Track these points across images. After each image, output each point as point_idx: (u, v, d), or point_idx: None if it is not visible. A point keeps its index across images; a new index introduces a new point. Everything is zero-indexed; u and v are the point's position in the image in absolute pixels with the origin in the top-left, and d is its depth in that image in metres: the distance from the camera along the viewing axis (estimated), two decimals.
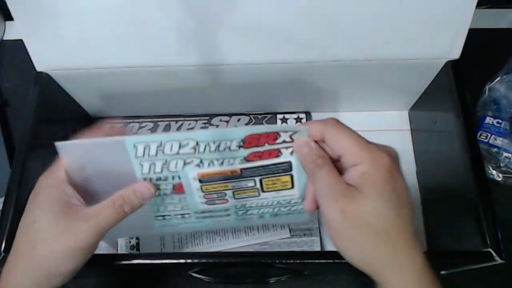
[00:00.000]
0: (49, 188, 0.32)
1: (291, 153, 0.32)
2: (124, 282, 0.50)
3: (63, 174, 0.33)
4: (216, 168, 0.33)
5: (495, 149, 0.53)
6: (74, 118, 0.54)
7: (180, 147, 0.32)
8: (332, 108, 0.57)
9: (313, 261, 0.39)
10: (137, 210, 0.34)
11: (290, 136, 0.32)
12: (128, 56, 0.44)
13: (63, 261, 0.31)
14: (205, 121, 0.57)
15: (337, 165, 0.31)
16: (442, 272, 0.46)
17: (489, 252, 0.36)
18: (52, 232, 0.31)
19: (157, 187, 0.34)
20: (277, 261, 0.38)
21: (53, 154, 0.35)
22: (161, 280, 0.49)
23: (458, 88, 0.43)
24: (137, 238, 0.49)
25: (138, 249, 0.49)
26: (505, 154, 0.53)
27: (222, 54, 0.44)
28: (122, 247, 0.49)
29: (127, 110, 0.56)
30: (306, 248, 0.49)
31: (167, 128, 0.56)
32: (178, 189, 0.35)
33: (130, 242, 0.49)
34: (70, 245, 0.31)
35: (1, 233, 0.37)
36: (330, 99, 0.55)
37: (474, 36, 0.43)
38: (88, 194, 0.34)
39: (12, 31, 0.63)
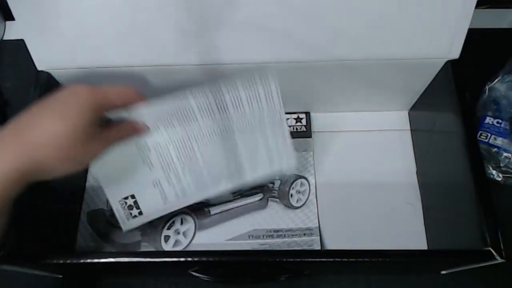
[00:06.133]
0: (78, 107, 0.34)
1: None
2: (123, 281, 0.50)
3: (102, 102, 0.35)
4: None
5: (495, 149, 0.53)
6: None
7: None
8: (332, 108, 0.57)
9: (313, 260, 0.39)
10: None
11: None
12: (128, 55, 0.44)
13: (54, 149, 0.33)
14: None
15: None
16: (443, 272, 0.46)
17: (489, 251, 0.36)
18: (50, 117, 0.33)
19: None
20: (277, 260, 0.38)
21: None
22: (161, 279, 0.49)
23: (458, 88, 0.43)
24: (133, 197, 0.46)
25: (138, 207, 0.46)
26: (505, 154, 0.53)
27: (222, 53, 0.44)
28: (119, 211, 0.45)
29: None
30: (306, 248, 0.49)
31: None
32: None
33: (126, 203, 0.46)
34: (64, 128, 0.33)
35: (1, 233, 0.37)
36: (330, 99, 0.55)
37: (474, 36, 0.43)
38: None
39: (12, 31, 0.64)
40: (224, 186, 0.46)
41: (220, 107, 0.43)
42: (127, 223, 0.45)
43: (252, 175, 0.46)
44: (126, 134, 0.40)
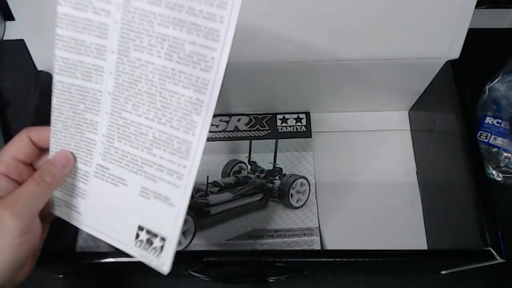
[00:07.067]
0: None
1: None
2: (123, 281, 0.50)
3: (2, 168, 0.33)
4: None
5: (495, 149, 0.53)
6: None
7: None
8: (332, 108, 0.57)
9: (313, 260, 0.39)
10: None
11: None
12: None
13: (5, 257, 0.30)
14: None
15: None
16: (443, 272, 0.46)
17: (489, 251, 0.36)
18: None
19: None
20: (277, 260, 0.38)
21: None
22: (161, 278, 0.49)
23: (458, 88, 0.43)
24: (141, 228, 0.37)
25: (155, 235, 0.35)
26: (505, 154, 0.53)
27: None
28: (146, 256, 0.35)
29: None
30: (306, 248, 0.49)
31: None
32: None
33: (142, 241, 0.37)
34: (5, 241, 0.30)
35: None
36: (330, 99, 0.55)
37: (474, 36, 0.43)
38: None
39: (12, 31, 0.63)
40: (202, 119, 0.30)
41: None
42: (161, 261, 0.34)
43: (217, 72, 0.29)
44: (56, 178, 0.33)
